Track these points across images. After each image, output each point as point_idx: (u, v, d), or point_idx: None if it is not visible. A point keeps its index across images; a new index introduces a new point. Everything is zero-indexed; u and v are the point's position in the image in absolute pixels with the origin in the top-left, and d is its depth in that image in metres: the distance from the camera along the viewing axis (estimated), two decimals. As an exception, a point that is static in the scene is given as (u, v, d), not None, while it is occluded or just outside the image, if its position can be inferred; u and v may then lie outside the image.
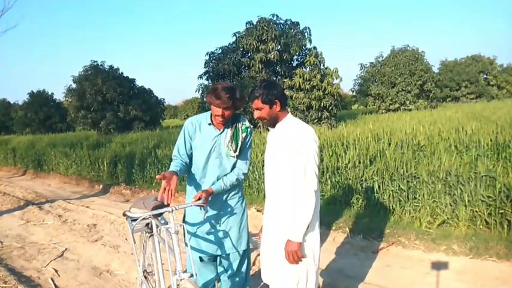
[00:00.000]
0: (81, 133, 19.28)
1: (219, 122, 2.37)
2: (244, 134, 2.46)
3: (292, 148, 2.02)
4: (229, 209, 2.52)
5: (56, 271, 3.96)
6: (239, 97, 2.31)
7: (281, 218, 2.10)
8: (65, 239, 5.08)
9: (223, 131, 2.43)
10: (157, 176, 2.15)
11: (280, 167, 2.09)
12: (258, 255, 4.08)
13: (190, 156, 2.48)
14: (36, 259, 4.36)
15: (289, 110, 2.22)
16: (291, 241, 2.00)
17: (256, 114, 2.14)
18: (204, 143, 2.43)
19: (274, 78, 12.89)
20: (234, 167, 2.48)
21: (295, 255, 1.99)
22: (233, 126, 2.44)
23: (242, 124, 2.48)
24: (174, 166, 2.37)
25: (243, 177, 2.49)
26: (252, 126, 2.56)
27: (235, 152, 2.42)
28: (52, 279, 3.75)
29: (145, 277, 2.67)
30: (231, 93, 2.26)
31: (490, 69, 34.36)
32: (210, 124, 2.44)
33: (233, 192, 2.53)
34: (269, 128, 2.26)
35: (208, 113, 2.47)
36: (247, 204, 5.97)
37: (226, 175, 2.46)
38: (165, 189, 2.09)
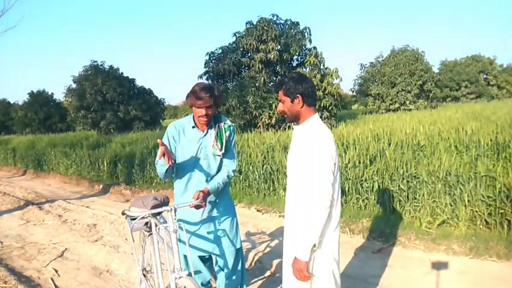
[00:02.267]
0: (81, 133, 19.28)
1: (204, 122, 2.40)
2: (227, 133, 2.51)
3: (305, 156, 1.89)
4: (221, 209, 2.57)
5: (56, 271, 3.96)
6: (218, 94, 2.36)
7: (296, 229, 1.98)
8: (65, 239, 5.08)
9: (207, 132, 2.47)
10: (158, 140, 2.22)
11: (296, 173, 1.97)
12: (256, 253, 4.09)
13: (174, 160, 2.49)
14: (36, 259, 4.36)
15: (315, 110, 2.05)
16: (297, 259, 1.86)
17: (279, 107, 2.04)
18: (190, 146, 2.47)
19: (274, 79, 12.88)
20: (220, 166, 2.53)
21: (301, 273, 1.86)
22: (216, 126, 2.49)
23: (224, 123, 2.53)
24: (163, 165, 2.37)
25: (232, 174, 2.55)
26: (234, 125, 2.62)
27: (220, 150, 2.48)
28: (52, 279, 3.75)
29: (144, 275, 2.68)
30: (211, 92, 2.31)
31: (490, 69, 34.40)
32: (193, 127, 2.48)
33: (223, 192, 2.58)
34: (294, 126, 2.10)
35: (190, 116, 2.51)
36: (248, 204, 6.00)
37: (217, 174, 2.50)
38: (163, 154, 2.18)
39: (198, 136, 2.47)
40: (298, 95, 1.94)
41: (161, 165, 2.34)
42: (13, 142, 17.21)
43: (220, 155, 2.50)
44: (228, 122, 2.56)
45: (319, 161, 1.84)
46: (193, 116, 2.48)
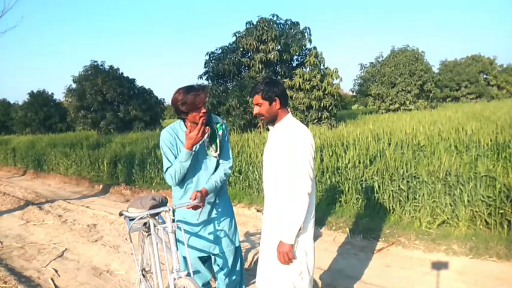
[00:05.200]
0: (81, 133, 19.27)
1: (204, 120, 2.34)
2: (220, 132, 2.51)
3: (287, 149, 2.03)
4: (220, 209, 2.56)
5: (56, 271, 3.96)
6: (205, 86, 2.39)
7: (278, 218, 2.11)
8: (65, 239, 5.08)
9: None
10: (185, 131, 2.29)
11: (276, 167, 2.11)
12: (256, 253, 4.09)
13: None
14: (36, 259, 4.36)
15: (289, 110, 2.23)
16: (283, 242, 2.00)
17: (256, 110, 2.18)
18: None
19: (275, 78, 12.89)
20: (217, 165, 2.53)
21: (286, 256, 1.99)
22: (208, 127, 2.45)
23: (216, 123, 2.52)
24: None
25: (229, 171, 2.55)
26: (225, 121, 2.60)
27: (216, 151, 2.48)
28: (52, 279, 3.75)
29: (143, 276, 2.68)
30: (199, 86, 2.33)
31: (490, 69, 34.34)
32: None
33: (221, 191, 2.58)
34: (269, 126, 2.26)
35: (180, 122, 2.47)
36: (248, 205, 6.00)
37: (214, 174, 2.49)
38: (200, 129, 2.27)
39: None
40: (276, 98, 2.10)
41: (184, 160, 2.34)
42: (13, 142, 17.21)
43: (216, 157, 2.49)
44: (220, 120, 2.55)
45: (302, 150, 1.99)
46: (184, 123, 2.45)
